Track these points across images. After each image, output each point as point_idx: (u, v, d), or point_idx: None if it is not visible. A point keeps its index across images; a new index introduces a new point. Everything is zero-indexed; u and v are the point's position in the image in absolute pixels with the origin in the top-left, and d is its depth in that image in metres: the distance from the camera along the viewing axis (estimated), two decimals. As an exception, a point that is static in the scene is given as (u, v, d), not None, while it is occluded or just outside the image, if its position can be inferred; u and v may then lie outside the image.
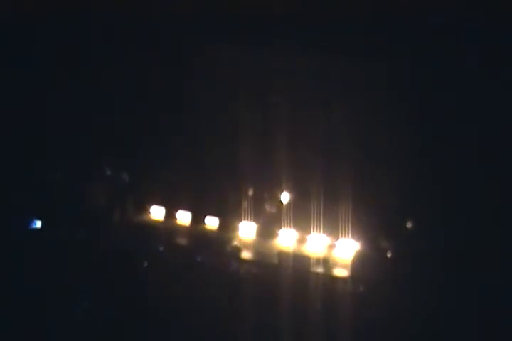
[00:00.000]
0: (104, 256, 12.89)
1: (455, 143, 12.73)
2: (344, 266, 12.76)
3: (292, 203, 13.49)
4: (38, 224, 13.33)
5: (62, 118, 13.64)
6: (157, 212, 13.85)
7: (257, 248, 13.27)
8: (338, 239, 12.90)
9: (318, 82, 13.30)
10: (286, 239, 13.19)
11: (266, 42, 12.98)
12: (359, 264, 12.70)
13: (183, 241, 13.62)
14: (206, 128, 13.72)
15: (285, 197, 13.54)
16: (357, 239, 12.85)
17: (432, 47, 12.64)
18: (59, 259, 12.69)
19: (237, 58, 13.31)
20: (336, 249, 12.91)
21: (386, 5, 12.26)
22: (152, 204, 13.87)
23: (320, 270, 12.74)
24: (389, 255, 12.63)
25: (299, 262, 12.87)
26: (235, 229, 13.42)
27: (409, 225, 12.77)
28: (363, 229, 12.84)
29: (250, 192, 13.64)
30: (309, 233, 13.07)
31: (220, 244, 13.32)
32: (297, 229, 13.20)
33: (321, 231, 13.02)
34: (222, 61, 13.46)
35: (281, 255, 13.01)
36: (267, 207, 13.62)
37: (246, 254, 13.21)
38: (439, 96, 12.82)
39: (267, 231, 13.36)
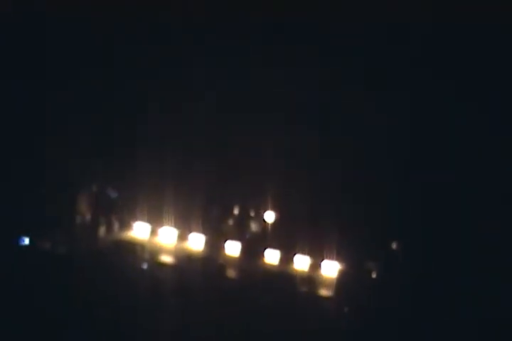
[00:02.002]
0: (87, 271, 12.81)
1: (438, 167, 12.96)
2: (329, 286, 12.81)
3: (277, 223, 13.55)
4: (23, 239, 13.20)
5: (50, 131, 13.62)
6: (141, 229, 13.79)
7: (242, 266, 13.27)
8: (322, 259, 12.97)
9: (306, 102, 13.48)
10: (271, 259, 13.22)
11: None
12: (343, 284, 12.76)
13: (167, 258, 13.55)
14: (193, 147, 13.73)
15: (270, 216, 13.59)
16: (341, 260, 12.92)
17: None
18: (42, 274, 12.58)
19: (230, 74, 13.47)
20: (320, 270, 12.98)
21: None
22: (136, 221, 13.84)
23: (305, 289, 12.77)
24: (374, 275, 12.72)
25: (284, 281, 12.89)
26: (220, 247, 13.42)
27: (393, 246, 12.90)
28: (348, 250, 12.92)
29: (236, 211, 13.70)
30: (293, 253, 13.13)
31: (205, 262, 13.29)
32: (282, 249, 13.25)
33: (306, 251, 13.08)
34: (213, 82, 13.61)
35: (266, 274, 13.02)
36: (252, 226, 13.66)
37: (231, 272, 13.19)
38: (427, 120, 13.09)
39: (251, 250, 13.38)
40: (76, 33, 13.72)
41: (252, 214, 13.66)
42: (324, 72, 13.18)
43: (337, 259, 12.92)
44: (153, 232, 13.82)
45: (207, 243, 13.54)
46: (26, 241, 13.23)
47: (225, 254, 13.39)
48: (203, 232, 13.58)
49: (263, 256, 13.27)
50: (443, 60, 12.83)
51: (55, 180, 13.55)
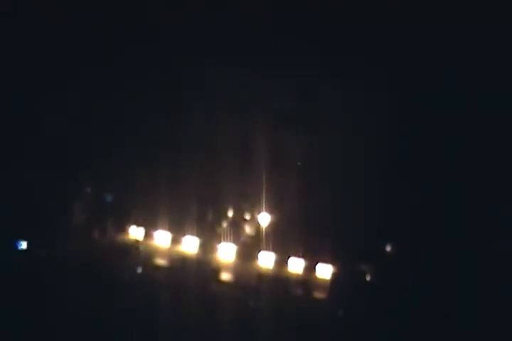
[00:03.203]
0: (82, 275, 12.87)
1: (433, 168, 12.95)
2: (323, 289, 12.82)
3: (271, 225, 13.55)
4: (20, 243, 13.21)
5: (46, 133, 13.65)
6: (136, 232, 13.79)
7: (236, 269, 13.28)
8: (317, 262, 12.98)
9: (299, 103, 13.46)
10: (265, 262, 13.22)
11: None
12: (338, 287, 12.77)
13: (161, 261, 13.56)
14: (187, 150, 13.72)
15: (264, 218, 13.59)
16: (336, 263, 12.93)
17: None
18: (38, 278, 12.65)
19: (220, 77, 13.46)
20: (314, 272, 12.98)
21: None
22: (131, 225, 13.83)
23: (299, 292, 12.80)
24: (368, 278, 12.74)
25: (278, 284, 12.91)
26: (214, 250, 13.43)
27: (388, 248, 12.90)
28: (342, 253, 12.92)
29: (230, 214, 13.70)
30: (288, 255, 13.13)
31: (199, 265, 13.30)
32: (276, 252, 13.25)
33: (300, 254, 13.08)
34: (206, 83, 13.59)
35: (260, 277, 13.04)
36: (246, 229, 13.66)
37: (225, 276, 13.21)
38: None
39: (245, 253, 13.39)
40: (76, 33, 13.69)
41: (247, 216, 13.65)
42: (323, 73, 13.21)
43: (331, 262, 12.92)
44: (148, 235, 13.81)
45: (201, 246, 13.53)
46: (23, 245, 13.24)
47: (219, 257, 13.39)
48: (197, 235, 13.57)
49: (257, 258, 13.27)
50: (443, 60, 12.84)
51: (50, 183, 13.56)
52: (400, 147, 13.15)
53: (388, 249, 12.91)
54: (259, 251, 13.27)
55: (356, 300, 12.37)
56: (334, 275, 12.87)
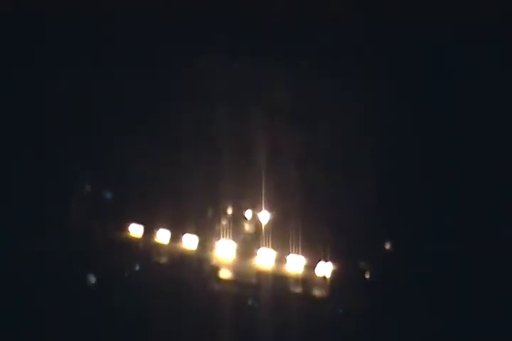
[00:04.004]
0: (80, 272, 12.88)
1: (435, 165, 12.87)
2: (323, 287, 12.75)
3: (271, 222, 13.48)
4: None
5: (43, 129, 13.66)
6: (136, 230, 13.76)
7: (236, 267, 13.21)
8: (317, 259, 12.88)
9: (299, 99, 13.42)
10: (264, 259, 13.14)
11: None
12: (337, 285, 12.70)
13: (161, 259, 13.52)
14: (185, 146, 13.69)
15: (264, 216, 13.52)
16: (336, 260, 12.83)
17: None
18: (34, 275, 12.66)
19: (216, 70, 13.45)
20: (314, 270, 12.88)
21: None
22: (131, 223, 13.80)
23: (298, 290, 12.72)
24: (367, 276, 12.65)
25: (278, 282, 12.84)
26: (213, 247, 13.36)
27: (388, 246, 12.80)
28: (342, 250, 12.84)
29: (229, 211, 13.63)
30: (288, 253, 13.05)
31: (198, 262, 13.25)
32: (276, 249, 13.17)
33: (300, 251, 13.00)
34: (204, 79, 13.58)
35: (260, 275, 12.97)
36: (246, 226, 13.59)
37: (224, 273, 13.15)
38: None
39: (245, 251, 13.32)
40: (76, 33, 13.73)
41: (246, 213, 13.57)
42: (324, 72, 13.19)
43: (332, 259, 12.83)
44: (147, 233, 13.77)
45: (200, 243, 13.47)
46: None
47: (218, 254, 13.32)
48: (197, 233, 13.51)
49: (257, 256, 13.19)
50: (443, 60, 12.80)
51: (47, 180, 13.57)
52: (401, 144, 13.08)
53: (388, 247, 12.81)
54: (259, 249, 13.20)
55: (357, 298, 12.30)
56: (334, 273, 12.77)
